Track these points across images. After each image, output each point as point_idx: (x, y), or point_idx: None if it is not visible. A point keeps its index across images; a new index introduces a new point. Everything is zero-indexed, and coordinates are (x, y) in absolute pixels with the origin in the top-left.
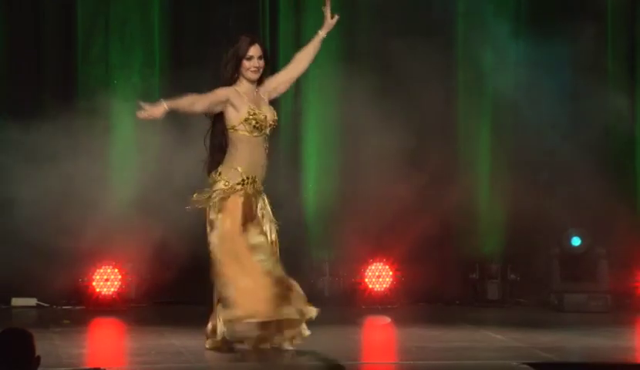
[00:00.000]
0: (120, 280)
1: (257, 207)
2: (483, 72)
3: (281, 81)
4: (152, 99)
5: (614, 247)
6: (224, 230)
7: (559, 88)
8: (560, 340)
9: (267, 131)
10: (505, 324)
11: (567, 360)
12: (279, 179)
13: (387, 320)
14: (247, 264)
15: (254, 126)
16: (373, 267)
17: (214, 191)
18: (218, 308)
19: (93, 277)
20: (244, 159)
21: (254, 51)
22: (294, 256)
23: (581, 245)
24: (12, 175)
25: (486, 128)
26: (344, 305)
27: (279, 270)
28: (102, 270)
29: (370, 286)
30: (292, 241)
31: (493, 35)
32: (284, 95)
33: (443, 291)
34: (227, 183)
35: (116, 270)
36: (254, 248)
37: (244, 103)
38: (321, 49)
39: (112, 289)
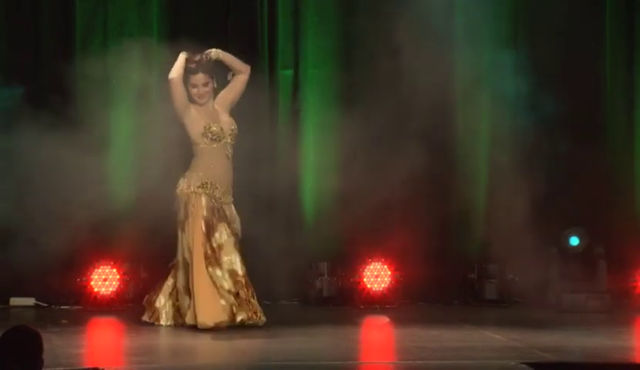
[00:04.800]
0: (118, 280)
1: (219, 211)
2: (482, 76)
3: (233, 92)
4: (150, 99)
5: (612, 246)
6: (193, 234)
7: (557, 90)
8: (558, 340)
9: (228, 139)
10: (503, 324)
11: (565, 360)
12: (278, 179)
13: (385, 320)
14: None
15: (212, 139)
16: (372, 267)
17: (179, 191)
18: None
19: (91, 276)
20: (205, 166)
21: (196, 79)
22: (292, 256)
23: (579, 245)
24: (11, 175)
25: (486, 129)
26: (342, 305)
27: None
28: (100, 270)
29: (368, 286)
30: (290, 241)
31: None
32: (284, 95)
33: (442, 291)
34: (188, 187)
35: (114, 270)
36: (219, 248)
37: (200, 118)
38: (321, 49)
39: (111, 289)
